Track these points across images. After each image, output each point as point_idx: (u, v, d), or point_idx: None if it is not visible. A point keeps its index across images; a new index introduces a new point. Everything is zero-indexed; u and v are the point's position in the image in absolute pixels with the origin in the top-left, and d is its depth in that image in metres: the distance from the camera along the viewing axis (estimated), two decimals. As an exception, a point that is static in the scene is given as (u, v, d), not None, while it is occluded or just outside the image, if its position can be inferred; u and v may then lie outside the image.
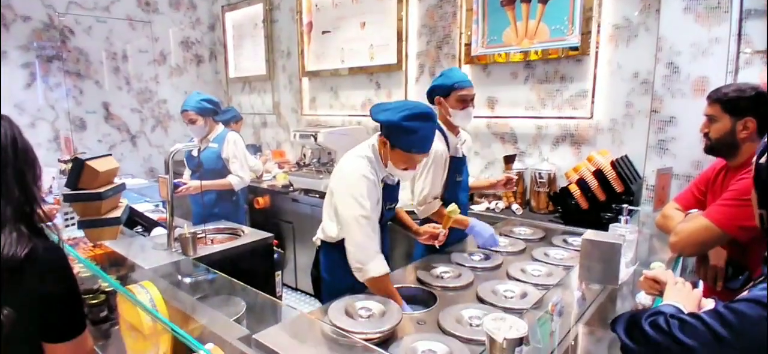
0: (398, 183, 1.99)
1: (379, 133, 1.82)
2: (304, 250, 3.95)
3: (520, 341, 0.88)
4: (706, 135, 1.75)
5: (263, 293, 1.75)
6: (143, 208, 2.95)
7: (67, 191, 1.84)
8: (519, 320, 0.91)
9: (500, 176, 2.58)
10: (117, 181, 2.05)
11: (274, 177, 4.30)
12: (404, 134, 1.71)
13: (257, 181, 4.24)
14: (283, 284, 4.10)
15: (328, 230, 1.92)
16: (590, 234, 1.46)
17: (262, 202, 4.11)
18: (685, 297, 1.14)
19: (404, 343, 1.39)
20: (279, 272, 2.74)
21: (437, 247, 2.09)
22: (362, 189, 1.70)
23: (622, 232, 1.55)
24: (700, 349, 0.85)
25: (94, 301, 1.93)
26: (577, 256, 2.16)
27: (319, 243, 2.01)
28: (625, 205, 1.65)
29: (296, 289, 4.18)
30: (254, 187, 4.15)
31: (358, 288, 1.76)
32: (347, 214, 1.71)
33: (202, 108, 2.95)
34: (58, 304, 1.07)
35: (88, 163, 1.83)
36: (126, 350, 1.68)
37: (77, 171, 1.82)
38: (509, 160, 3.04)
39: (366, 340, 1.38)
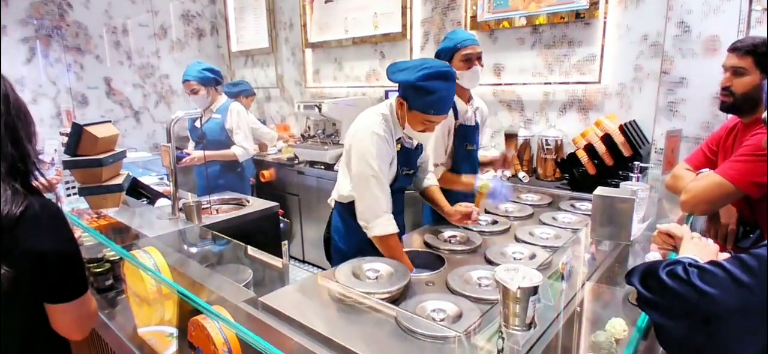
0: (418, 148, 1.93)
1: (397, 94, 1.77)
2: (310, 222, 3.95)
3: (535, 290, 0.85)
4: (727, 89, 1.65)
5: (270, 257, 1.74)
6: (147, 181, 2.93)
7: (67, 158, 1.82)
8: (533, 270, 0.88)
9: (499, 152, 2.52)
10: (117, 149, 2.03)
11: (279, 150, 4.28)
12: (422, 95, 1.65)
13: (261, 154, 4.22)
14: (291, 256, 4.12)
15: (341, 188, 1.90)
16: (602, 190, 1.42)
17: (267, 175, 4.09)
18: (702, 250, 1.11)
19: (412, 302, 1.37)
20: (285, 242, 2.73)
21: (472, 227, 2.00)
22: (372, 148, 1.68)
23: (634, 188, 1.51)
24: (720, 296, 0.82)
25: (98, 270, 1.93)
26: (586, 220, 2.15)
27: (333, 204, 2.00)
28: (636, 162, 1.61)
29: (303, 262, 4.18)
30: (259, 160, 4.13)
31: (366, 251, 1.75)
32: (357, 172, 1.71)
33: (204, 77, 2.90)
34: (56, 262, 1.06)
35: (86, 128, 1.80)
36: (132, 318, 1.68)
37: (76, 137, 1.80)
38: (509, 139, 2.99)
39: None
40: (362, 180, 1.69)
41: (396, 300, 1.44)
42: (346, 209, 1.90)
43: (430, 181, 2.10)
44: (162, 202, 2.53)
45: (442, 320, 1.31)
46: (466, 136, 2.27)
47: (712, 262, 0.88)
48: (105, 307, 1.81)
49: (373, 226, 1.69)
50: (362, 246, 1.79)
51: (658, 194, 2.30)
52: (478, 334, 1.01)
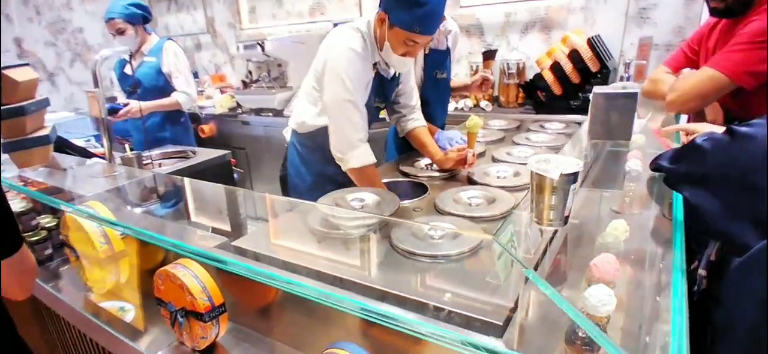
0: (394, 78, 1.74)
1: (378, 7, 1.54)
2: (262, 176, 3.70)
3: (575, 178, 0.75)
4: None
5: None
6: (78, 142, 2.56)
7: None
8: (568, 157, 0.78)
9: (473, 77, 2.26)
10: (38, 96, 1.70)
11: (216, 105, 3.89)
12: (408, 7, 1.42)
13: (197, 108, 3.85)
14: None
15: (303, 115, 1.71)
16: (600, 88, 1.35)
17: (207, 130, 3.76)
18: None
19: (406, 227, 1.25)
20: (242, 193, 2.51)
21: (467, 171, 1.73)
22: (348, 69, 1.48)
23: (625, 85, 1.45)
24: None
25: (35, 238, 1.66)
26: (559, 138, 2.11)
27: (288, 136, 1.80)
28: (628, 60, 1.54)
29: (256, 219, 3.95)
30: (194, 114, 3.77)
31: (326, 187, 1.59)
32: (331, 96, 1.51)
33: (131, 14, 2.52)
34: None
35: (5, 71, 1.48)
36: (84, 287, 1.46)
37: (-12, 82, 1.47)
38: (489, 56, 2.80)
39: (361, 226, 1.23)
40: (337, 104, 1.51)
41: (383, 228, 1.31)
42: (307, 139, 1.72)
43: (417, 121, 1.89)
44: (93, 161, 2.21)
45: (440, 238, 1.20)
46: (437, 63, 2.08)
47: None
48: (49, 280, 1.57)
49: (349, 158, 1.53)
50: (322, 181, 1.63)
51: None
52: (495, 242, 0.90)
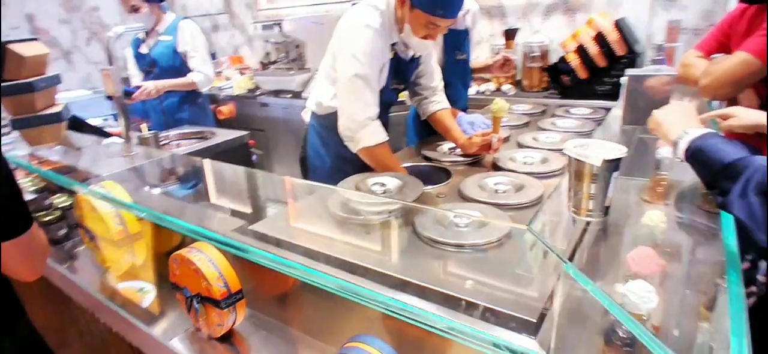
0: (413, 59, 1.68)
1: None
2: (280, 158, 3.66)
3: (617, 165, 0.68)
4: None
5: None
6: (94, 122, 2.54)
7: (-11, 84, 1.47)
8: (609, 143, 0.71)
9: (494, 57, 2.20)
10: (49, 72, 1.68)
11: (234, 86, 3.85)
12: None
13: (216, 90, 3.82)
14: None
15: (320, 95, 1.66)
16: (635, 70, 1.26)
17: (226, 111, 3.72)
18: None
19: (430, 214, 1.19)
20: (259, 175, 2.47)
21: (492, 156, 1.65)
22: (363, 44, 1.42)
23: (659, 69, 1.36)
24: None
25: (48, 218, 1.64)
26: (586, 124, 2.02)
27: (308, 118, 1.75)
28: (660, 44, 1.45)
29: (275, 202, 3.93)
30: (212, 96, 3.74)
31: (346, 170, 1.54)
32: (342, 72, 1.45)
33: (146, -10, 2.48)
34: None
35: (9, 46, 1.45)
36: (99, 269, 1.43)
37: (-4, 58, 1.45)
38: (510, 35, 2.69)
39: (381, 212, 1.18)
40: (348, 81, 1.44)
41: (408, 214, 1.26)
42: (325, 120, 1.67)
43: (439, 104, 1.82)
44: (110, 140, 2.19)
45: (466, 226, 1.14)
46: (456, 44, 2.01)
47: None
48: (64, 261, 1.55)
49: (359, 138, 1.46)
50: (341, 163, 1.57)
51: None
52: (527, 231, 0.84)
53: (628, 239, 1.17)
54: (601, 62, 2.47)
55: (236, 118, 3.73)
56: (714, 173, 0.75)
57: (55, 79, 1.64)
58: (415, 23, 1.46)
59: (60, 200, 1.67)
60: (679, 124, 0.85)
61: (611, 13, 2.64)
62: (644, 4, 2.43)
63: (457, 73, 2.07)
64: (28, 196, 1.68)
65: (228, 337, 1.12)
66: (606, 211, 0.75)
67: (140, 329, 1.14)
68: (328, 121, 1.71)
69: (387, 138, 1.50)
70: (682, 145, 0.82)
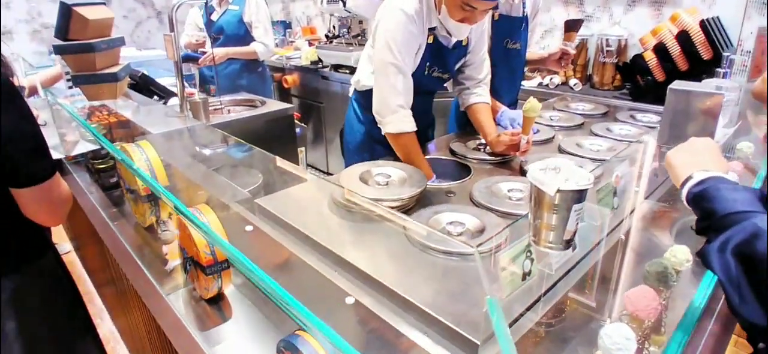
0: (458, 47, 1.61)
1: None
2: (335, 132, 3.74)
3: (580, 197, 0.60)
4: None
5: (283, 162, 1.54)
6: (168, 81, 2.76)
7: (58, 42, 1.64)
8: (581, 170, 0.63)
9: (555, 48, 2.04)
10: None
11: (302, 57, 3.97)
12: None
13: (284, 59, 3.96)
14: (312, 166, 3.98)
15: (360, 72, 1.70)
16: (680, 84, 1.10)
17: (290, 81, 3.85)
18: None
19: (427, 213, 1.15)
20: (303, 149, 2.55)
21: (520, 158, 1.59)
22: (397, 33, 1.41)
23: (720, 84, 1.17)
24: None
25: (102, 166, 1.83)
26: (646, 134, 1.81)
27: (351, 92, 1.80)
28: (726, 54, 1.25)
29: (328, 173, 4.04)
30: (281, 66, 3.88)
31: (377, 150, 1.54)
32: (377, 57, 1.47)
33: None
34: (11, 142, 0.96)
35: (75, 8, 1.60)
36: (133, 217, 1.57)
37: (65, 18, 1.61)
38: (572, 26, 2.49)
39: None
40: (382, 66, 1.45)
41: (409, 210, 1.23)
42: (362, 97, 1.69)
43: (480, 97, 1.74)
44: (175, 100, 2.37)
45: (459, 235, 1.09)
46: (508, 31, 1.87)
47: None
48: (109, 206, 1.72)
49: (387, 122, 1.47)
50: (372, 144, 1.57)
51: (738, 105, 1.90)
52: (502, 252, 0.79)
53: (640, 273, 1.05)
54: (682, 65, 2.18)
55: (299, 88, 3.85)
56: (706, 221, 0.63)
57: (118, 41, 1.79)
58: (450, 4, 1.40)
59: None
60: (689, 165, 0.73)
61: (703, 10, 2.32)
62: (739, 6, 2.09)
63: (506, 63, 1.94)
64: (88, 146, 1.89)
65: (217, 300, 1.19)
66: (568, 244, 0.66)
67: (147, 278, 1.24)
68: (364, 98, 1.72)
69: (414, 128, 1.48)
70: (684, 191, 0.71)
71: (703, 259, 0.60)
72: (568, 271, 0.94)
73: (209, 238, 0.91)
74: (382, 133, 1.50)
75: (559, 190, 0.60)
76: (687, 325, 0.83)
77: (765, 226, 0.55)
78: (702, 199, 0.66)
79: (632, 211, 1.18)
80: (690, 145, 0.79)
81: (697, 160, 0.74)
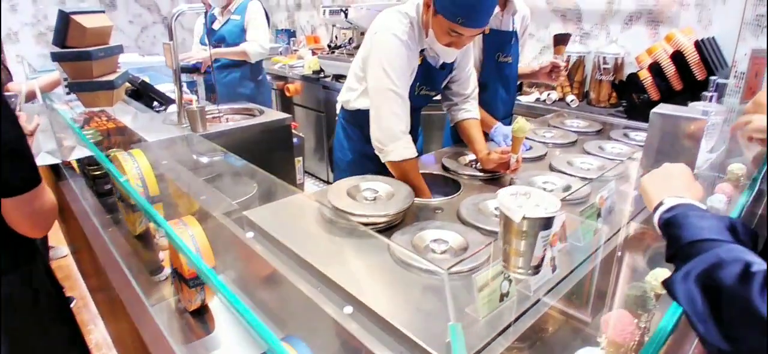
0: (444, 66, 1.63)
1: None
2: (328, 143, 3.76)
3: (547, 224, 0.61)
4: None
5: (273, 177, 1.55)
6: (170, 88, 2.78)
7: (56, 49, 1.67)
8: (550, 196, 0.63)
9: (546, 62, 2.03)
10: (129, 54, 1.86)
11: (305, 66, 4.01)
12: None
13: (287, 68, 3.99)
14: (313, 175, 3.99)
15: (348, 93, 1.70)
16: (663, 108, 1.11)
17: (292, 89, 3.88)
18: None
19: (412, 230, 1.16)
20: (300, 159, 2.56)
21: (509, 176, 1.58)
22: (391, 57, 1.41)
23: (706, 108, 1.18)
24: None
25: (97, 172, 1.84)
26: (640, 152, 1.81)
27: (338, 108, 1.80)
28: (712, 77, 1.26)
29: (328, 183, 4.05)
30: (283, 75, 3.91)
31: (366, 166, 1.54)
32: (374, 83, 1.46)
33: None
34: None
35: (73, 16, 1.63)
36: (125, 224, 1.59)
37: (63, 26, 1.63)
38: (560, 40, 2.48)
39: (366, 224, 1.17)
40: (379, 93, 1.44)
41: (396, 226, 1.23)
42: (350, 116, 1.70)
43: (468, 112, 1.75)
44: (174, 108, 2.39)
45: (442, 252, 1.10)
46: (499, 45, 1.88)
47: None
48: (102, 213, 1.74)
49: (390, 150, 1.45)
50: (362, 160, 1.57)
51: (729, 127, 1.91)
52: (479, 273, 0.79)
53: (620, 296, 1.05)
54: (676, 85, 2.19)
55: (301, 97, 3.88)
56: (673, 248, 0.64)
57: (116, 49, 1.81)
58: (437, 29, 1.42)
59: (113, 156, 1.86)
60: (662, 190, 0.74)
61: (699, 31, 2.33)
62: (735, 24, 2.10)
63: (498, 77, 1.96)
64: (85, 151, 1.90)
65: (201, 312, 1.19)
66: (536, 270, 0.67)
67: (134, 290, 1.25)
68: (352, 118, 1.73)
69: (416, 154, 1.48)
70: (656, 216, 0.71)
71: (667, 288, 0.60)
72: (548, 291, 0.94)
73: (182, 251, 0.91)
74: (383, 160, 1.48)
75: (525, 217, 0.60)
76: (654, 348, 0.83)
77: (728, 256, 0.56)
78: (670, 226, 0.66)
79: (616, 232, 1.18)
80: (664, 170, 0.80)
81: (670, 186, 0.74)
